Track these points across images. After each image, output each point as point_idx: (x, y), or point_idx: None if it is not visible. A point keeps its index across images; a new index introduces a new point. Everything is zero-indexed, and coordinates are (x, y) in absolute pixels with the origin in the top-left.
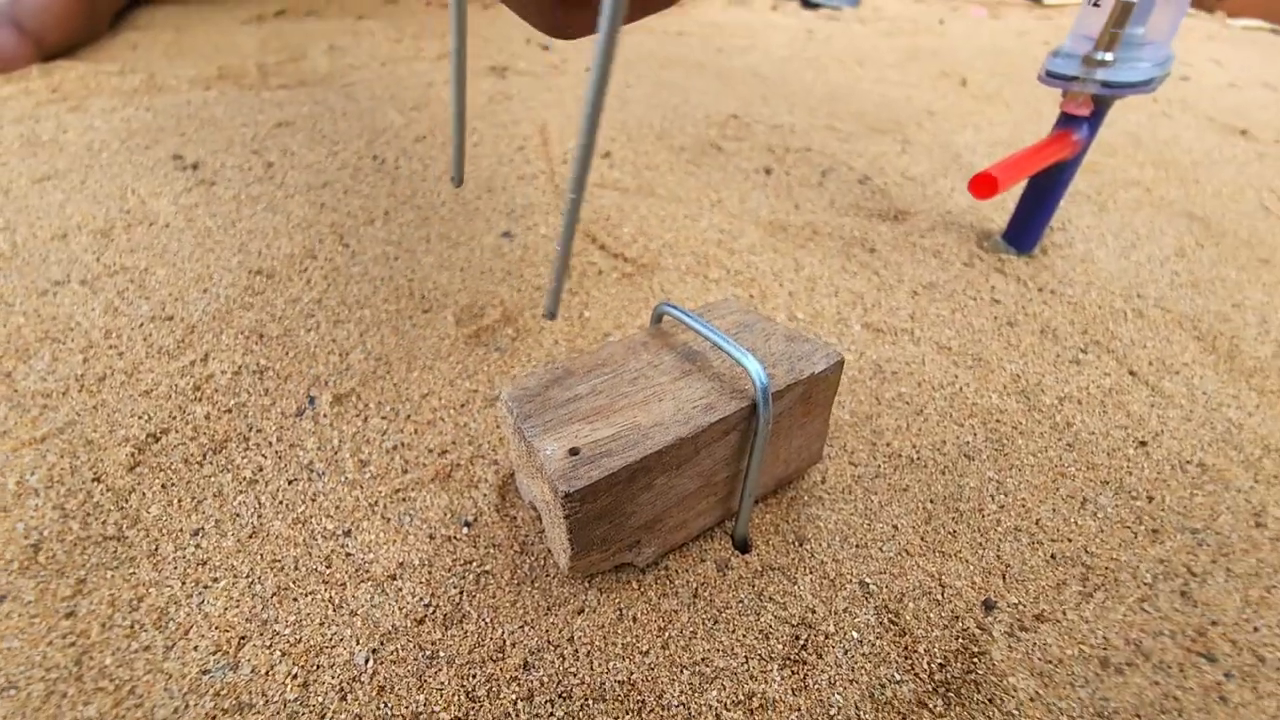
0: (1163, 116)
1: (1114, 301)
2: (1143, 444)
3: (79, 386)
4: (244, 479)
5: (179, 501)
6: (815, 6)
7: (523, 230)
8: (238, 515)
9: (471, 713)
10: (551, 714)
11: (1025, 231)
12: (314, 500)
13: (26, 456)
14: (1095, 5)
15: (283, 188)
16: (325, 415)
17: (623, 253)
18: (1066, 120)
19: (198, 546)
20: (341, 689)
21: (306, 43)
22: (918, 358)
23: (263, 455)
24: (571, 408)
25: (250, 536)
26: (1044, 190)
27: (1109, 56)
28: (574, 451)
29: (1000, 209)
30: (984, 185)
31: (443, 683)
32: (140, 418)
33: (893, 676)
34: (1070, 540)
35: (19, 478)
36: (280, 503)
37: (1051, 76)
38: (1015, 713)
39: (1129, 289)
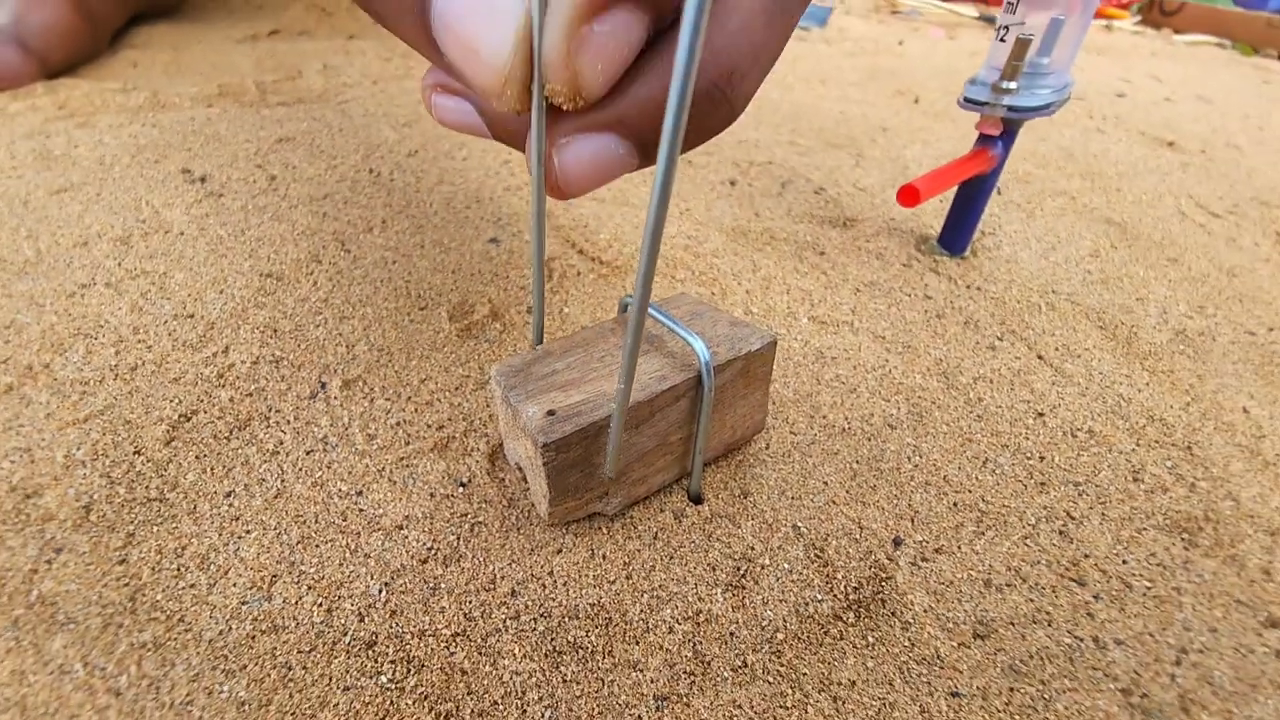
0: (1096, 132)
1: (1031, 296)
2: (1041, 415)
3: (114, 375)
4: (267, 451)
5: (212, 470)
6: None
7: (508, 237)
8: (264, 480)
9: (468, 629)
10: (534, 628)
11: (957, 236)
12: (329, 467)
13: (71, 434)
14: (1001, 40)
15: (286, 199)
16: (336, 397)
17: (599, 256)
18: (983, 139)
19: (230, 505)
20: (360, 613)
21: (300, 62)
22: (855, 345)
23: (282, 431)
24: (549, 380)
25: (276, 497)
26: (970, 199)
27: (1013, 85)
28: (551, 413)
29: (938, 216)
30: (909, 195)
31: (444, 607)
32: (172, 401)
33: (815, 597)
34: (970, 491)
35: (66, 451)
36: (300, 470)
37: (968, 102)
38: (911, 621)
39: (1045, 286)
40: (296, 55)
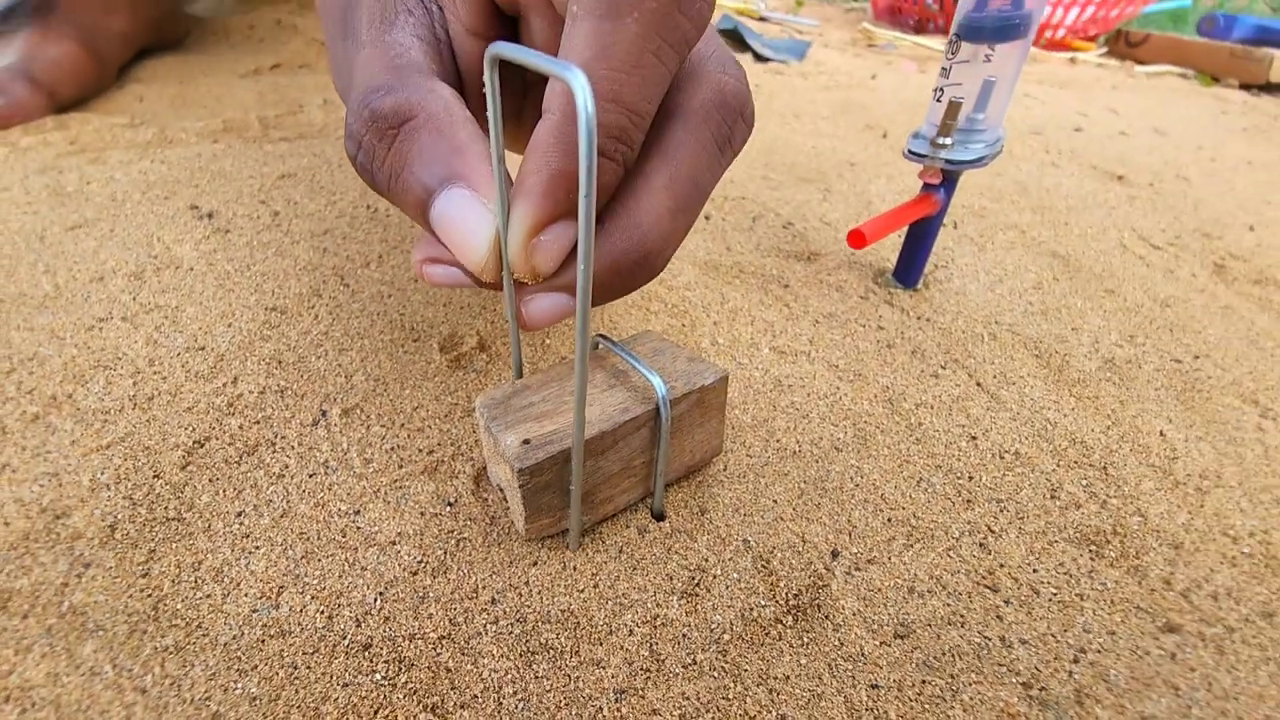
0: (1051, 166)
1: (975, 327)
2: (974, 438)
3: (132, 405)
4: (274, 474)
5: (224, 492)
6: (765, 60)
7: None
8: (270, 501)
9: (453, 633)
10: (511, 632)
11: (909, 270)
12: (330, 489)
13: (95, 460)
14: (938, 101)
15: (289, 234)
16: (336, 424)
17: None
18: (926, 185)
19: (241, 524)
20: (358, 619)
21: (302, 96)
22: (811, 374)
23: (287, 456)
24: (526, 411)
25: (282, 516)
26: (919, 237)
27: (948, 141)
28: (526, 441)
29: (896, 249)
30: (856, 239)
31: (432, 613)
32: (186, 429)
33: (759, 603)
34: (904, 508)
35: (91, 476)
36: (304, 491)
37: (911, 154)
38: (841, 623)
39: (989, 316)
40: (297, 89)
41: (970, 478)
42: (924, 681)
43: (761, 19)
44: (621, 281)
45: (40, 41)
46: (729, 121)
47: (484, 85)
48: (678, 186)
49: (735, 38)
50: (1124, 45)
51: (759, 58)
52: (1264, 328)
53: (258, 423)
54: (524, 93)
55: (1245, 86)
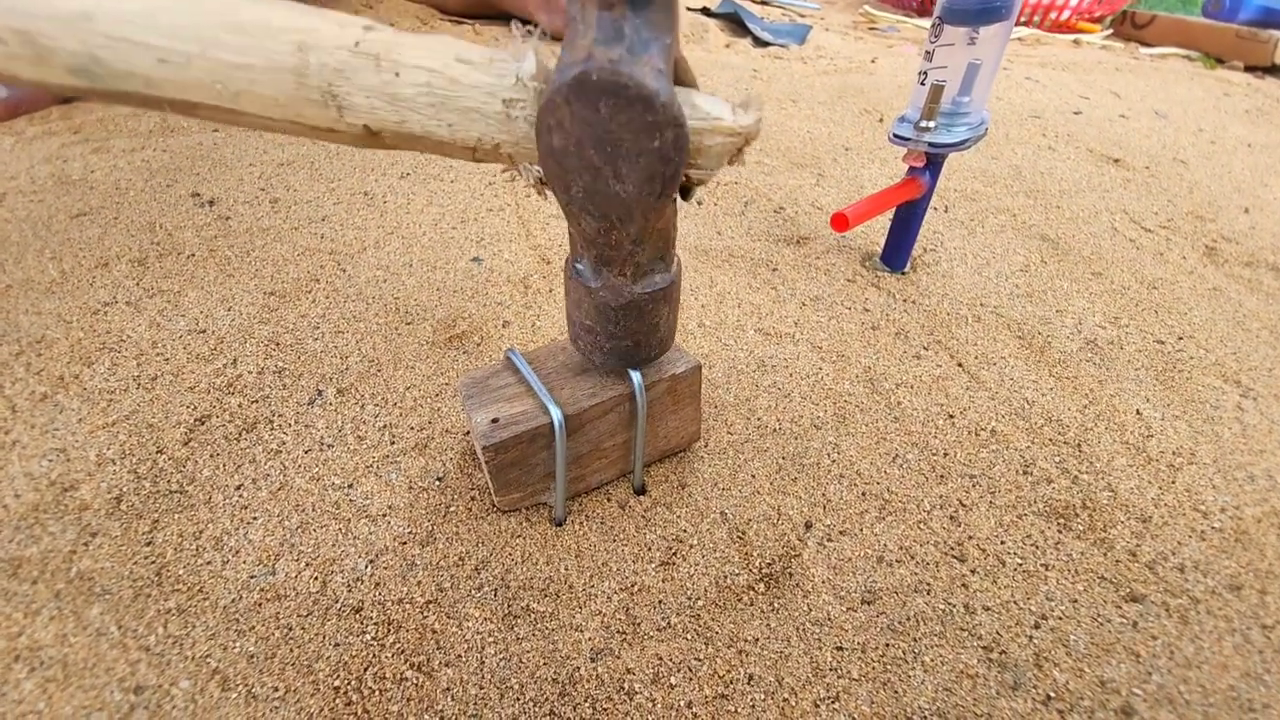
0: (1047, 149)
1: (960, 310)
2: (951, 416)
3: (136, 385)
4: (271, 450)
5: (224, 466)
6: (765, 44)
7: (490, 255)
8: (268, 475)
9: (439, 598)
10: (495, 597)
11: (896, 253)
12: (325, 464)
13: (102, 437)
14: (922, 84)
15: (288, 221)
16: (331, 403)
17: None
18: (911, 169)
19: (240, 496)
20: (349, 585)
21: None
22: (794, 355)
23: (284, 433)
24: (500, 392)
25: (279, 489)
26: (905, 220)
27: (931, 124)
28: (495, 420)
29: (884, 233)
30: (839, 222)
31: (420, 580)
32: (188, 407)
33: (734, 571)
34: (878, 483)
35: (98, 452)
36: (300, 466)
37: (895, 138)
38: (810, 590)
39: (975, 299)
40: None
41: (945, 454)
42: (887, 644)
43: (763, 2)
44: None
45: None
46: None
47: None
48: None
49: (735, 21)
50: (1130, 27)
51: (759, 42)
52: (1251, 309)
53: (256, 401)
54: None
55: (1251, 68)
